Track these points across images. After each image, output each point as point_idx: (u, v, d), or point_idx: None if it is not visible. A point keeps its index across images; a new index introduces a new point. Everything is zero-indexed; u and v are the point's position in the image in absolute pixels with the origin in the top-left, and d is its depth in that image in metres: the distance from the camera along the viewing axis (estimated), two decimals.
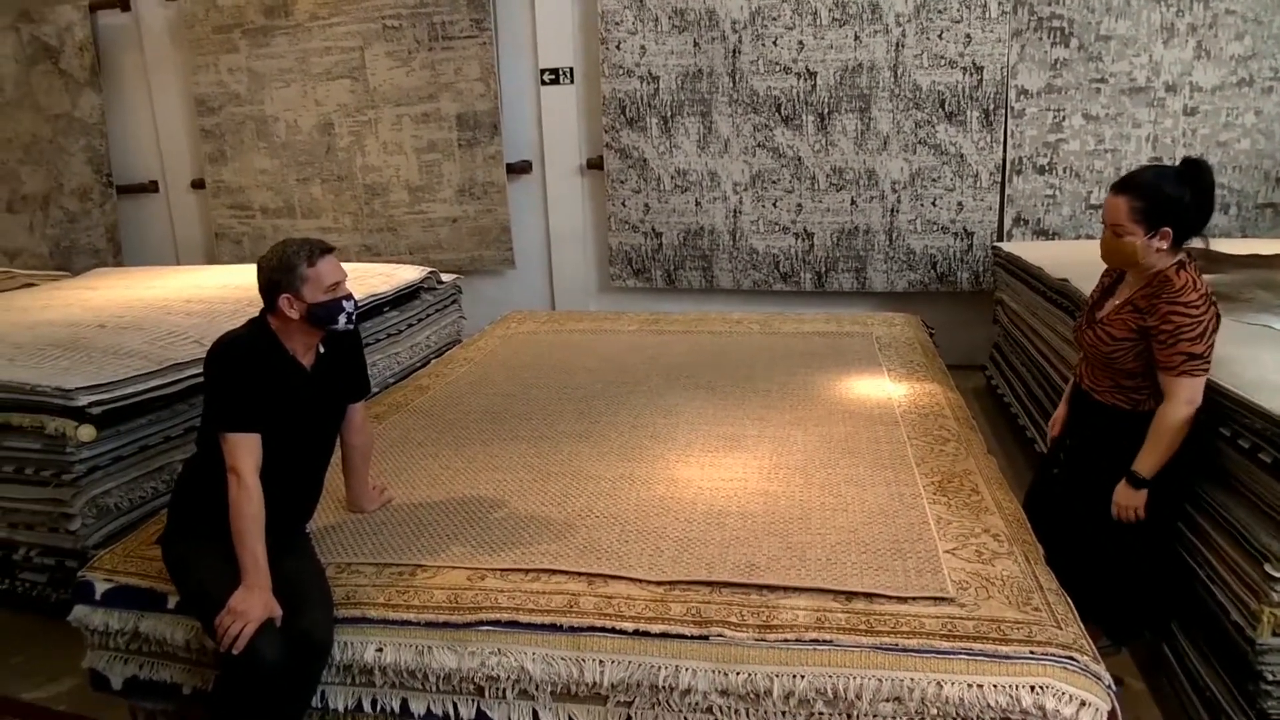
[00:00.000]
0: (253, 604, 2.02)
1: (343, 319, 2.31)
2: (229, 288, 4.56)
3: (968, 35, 5.37)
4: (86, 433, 2.93)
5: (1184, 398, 2.28)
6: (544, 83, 6.16)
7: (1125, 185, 2.37)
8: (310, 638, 2.08)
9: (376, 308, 4.64)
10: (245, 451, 2.15)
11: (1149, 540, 2.49)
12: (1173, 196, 2.31)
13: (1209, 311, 2.26)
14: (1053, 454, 2.88)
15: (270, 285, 2.25)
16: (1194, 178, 2.32)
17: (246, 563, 2.08)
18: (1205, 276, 2.38)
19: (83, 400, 2.94)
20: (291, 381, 2.29)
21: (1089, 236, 5.47)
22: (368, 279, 4.77)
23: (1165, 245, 2.32)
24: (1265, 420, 2.14)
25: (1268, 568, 2.10)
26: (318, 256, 2.27)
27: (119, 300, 4.34)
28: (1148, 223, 2.31)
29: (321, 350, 2.38)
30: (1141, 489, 2.37)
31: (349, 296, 2.34)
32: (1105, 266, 2.61)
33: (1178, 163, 2.50)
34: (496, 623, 2.11)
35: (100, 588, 2.36)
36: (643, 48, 5.79)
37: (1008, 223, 5.62)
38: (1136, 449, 2.38)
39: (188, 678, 2.32)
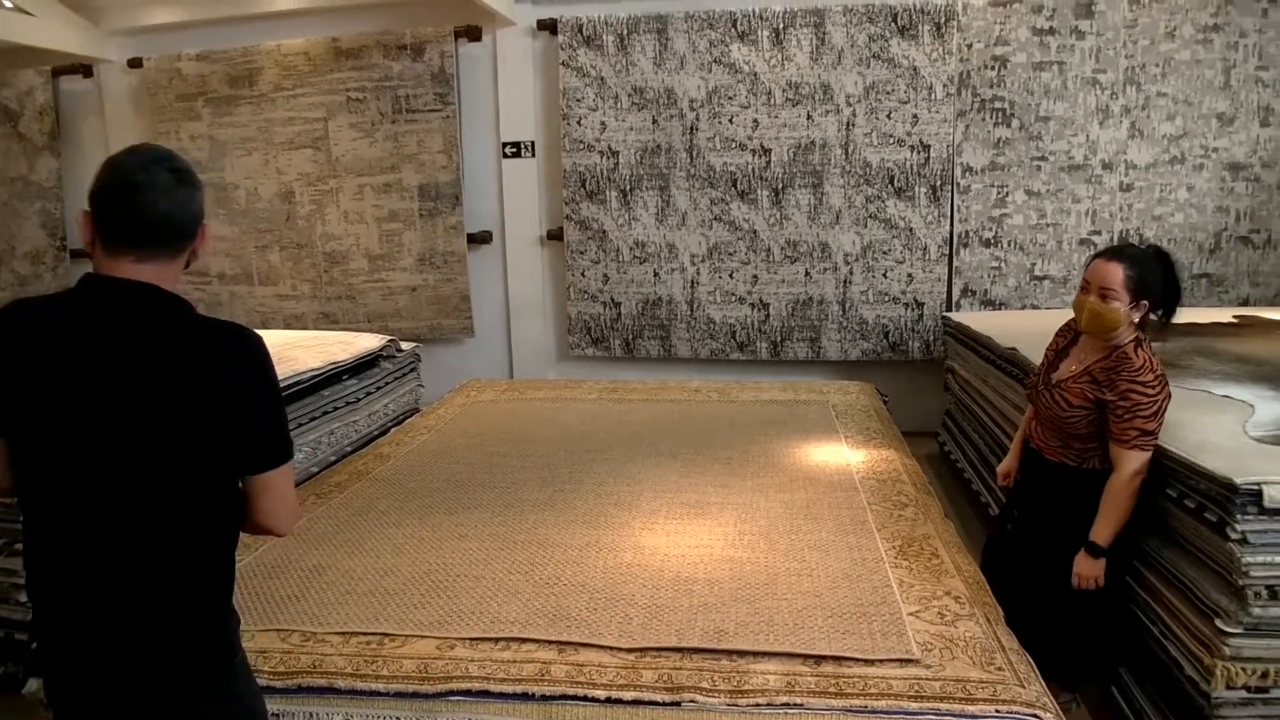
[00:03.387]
0: None
1: None
2: None
3: (915, 115, 5.62)
4: None
5: (1132, 469, 2.40)
6: (506, 155, 6.28)
7: (1119, 254, 2.49)
8: None
9: (335, 375, 4.63)
10: None
11: (1097, 594, 2.56)
12: (1154, 274, 2.47)
13: (1163, 391, 2.41)
14: (1006, 511, 2.97)
15: (199, 212, 1.53)
16: (1165, 263, 2.50)
17: None
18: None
19: None
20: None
21: (1033, 306, 5.68)
22: (326, 346, 4.76)
23: (1138, 319, 2.47)
24: (1210, 481, 2.24)
25: (1219, 623, 2.18)
26: None
27: None
28: (1135, 293, 2.44)
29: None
30: (1100, 558, 2.46)
31: None
32: (1059, 327, 2.75)
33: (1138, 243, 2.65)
34: (467, 692, 2.10)
35: None
36: (603, 124, 5.95)
37: (956, 293, 5.81)
38: (1083, 503, 2.50)
39: None
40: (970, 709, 1.94)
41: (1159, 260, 2.50)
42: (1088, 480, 2.53)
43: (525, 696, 2.07)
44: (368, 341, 5.08)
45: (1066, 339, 2.72)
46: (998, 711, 1.93)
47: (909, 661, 2.13)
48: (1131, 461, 2.39)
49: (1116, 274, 2.44)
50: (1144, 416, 2.37)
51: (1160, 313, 2.53)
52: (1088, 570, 2.48)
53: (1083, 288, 2.53)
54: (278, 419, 1.54)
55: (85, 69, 6.69)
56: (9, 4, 5.77)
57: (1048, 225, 5.66)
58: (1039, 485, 2.72)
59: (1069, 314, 2.75)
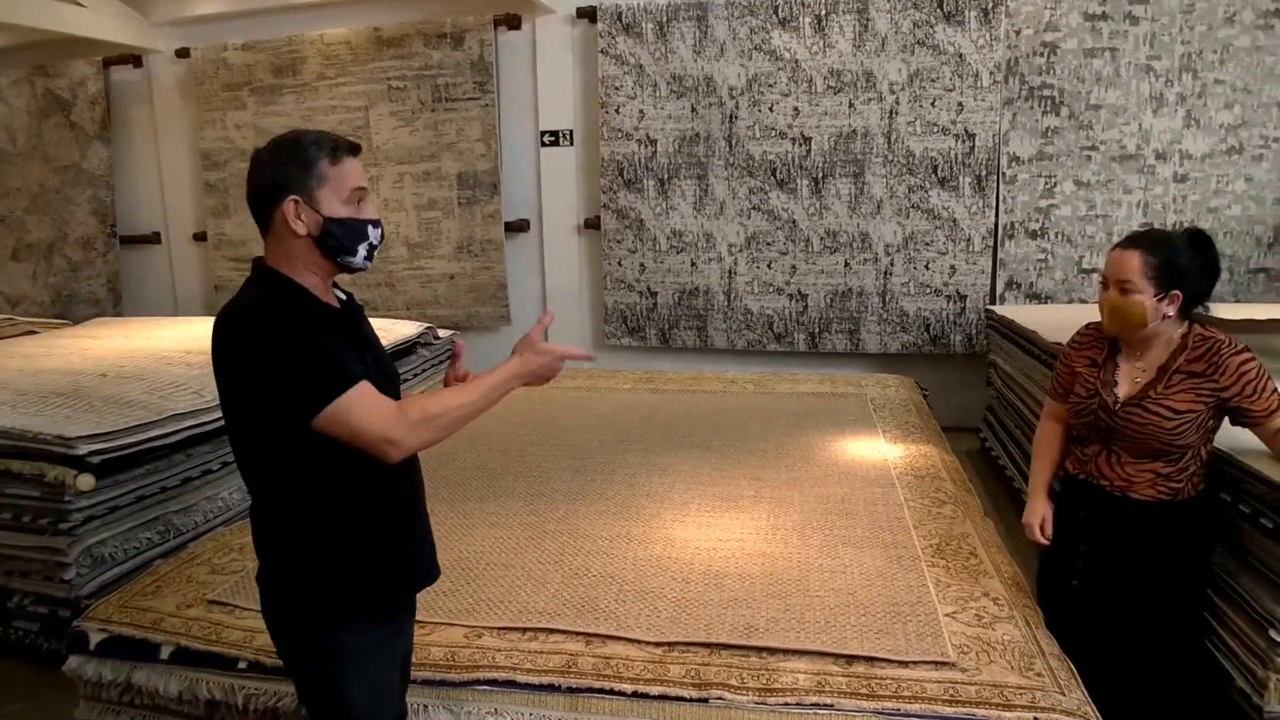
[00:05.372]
0: None
1: (363, 251, 1.64)
2: None
3: (960, 104, 5.50)
4: (85, 481, 2.91)
5: None
6: (544, 144, 6.27)
7: (1137, 241, 2.21)
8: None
9: None
10: (375, 404, 1.56)
11: (1188, 631, 2.34)
12: (1184, 259, 2.16)
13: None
14: (1064, 560, 2.42)
15: (272, 185, 1.60)
16: (1202, 246, 2.20)
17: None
18: None
19: (83, 449, 2.93)
20: (340, 331, 1.65)
21: (1081, 300, 5.54)
22: None
23: (1173, 311, 2.17)
24: (1267, 485, 2.15)
25: (1273, 634, 2.10)
26: (344, 151, 1.64)
27: (119, 350, 4.35)
28: (1159, 283, 2.15)
29: (342, 296, 1.77)
30: None
31: (377, 221, 1.68)
32: (1075, 338, 2.50)
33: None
34: (494, 682, 2.09)
35: (95, 638, 2.34)
36: (641, 112, 5.91)
37: (1000, 286, 5.69)
38: (1175, 541, 2.24)
39: None
40: (1007, 715, 1.89)
41: (1194, 243, 2.18)
42: (1182, 513, 2.23)
43: (552, 688, 2.06)
44: (406, 329, 5.13)
45: (1101, 350, 2.39)
46: (1036, 719, 1.88)
47: (944, 664, 2.08)
48: None
49: (1133, 263, 2.16)
50: (1266, 380, 2.10)
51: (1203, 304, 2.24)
52: None
53: (1102, 283, 2.27)
54: (287, 379, 1.52)
55: (135, 59, 6.82)
56: None
57: (1097, 217, 5.51)
58: (1121, 526, 2.28)
59: None
